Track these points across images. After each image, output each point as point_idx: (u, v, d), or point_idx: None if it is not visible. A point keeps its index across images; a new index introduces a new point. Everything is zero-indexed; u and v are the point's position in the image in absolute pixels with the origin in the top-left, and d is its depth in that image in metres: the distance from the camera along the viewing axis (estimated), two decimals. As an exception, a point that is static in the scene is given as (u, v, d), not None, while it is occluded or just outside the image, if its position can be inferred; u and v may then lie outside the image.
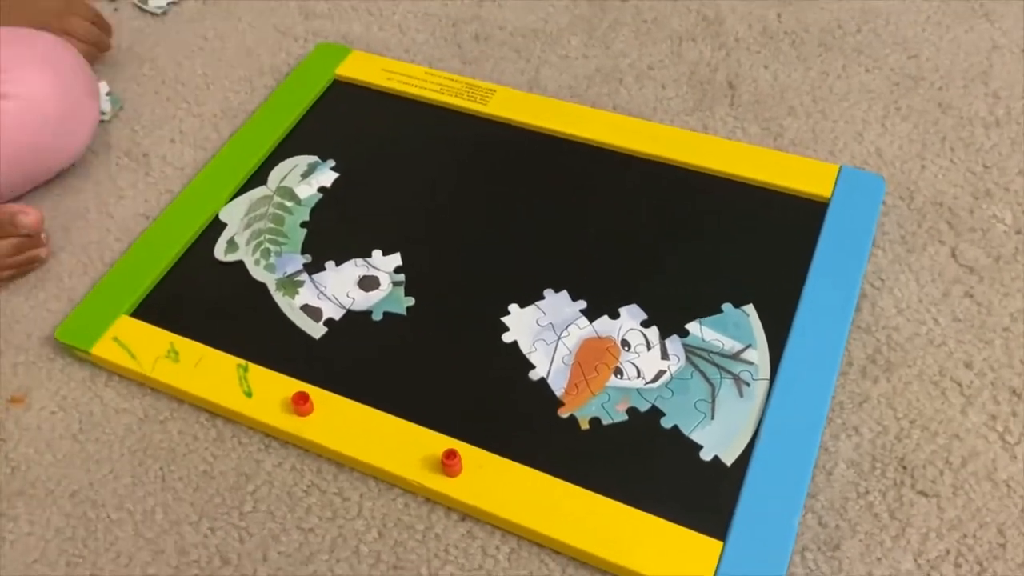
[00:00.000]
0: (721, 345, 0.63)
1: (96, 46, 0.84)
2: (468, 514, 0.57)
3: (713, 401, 0.61)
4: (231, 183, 0.75)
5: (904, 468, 0.59)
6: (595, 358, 0.63)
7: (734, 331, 0.64)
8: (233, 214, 0.73)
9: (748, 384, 0.61)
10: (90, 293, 0.68)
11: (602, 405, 0.61)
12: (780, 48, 0.86)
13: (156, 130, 0.83)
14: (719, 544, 0.54)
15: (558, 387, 0.62)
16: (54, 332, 0.66)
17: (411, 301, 0.67)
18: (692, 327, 0.64)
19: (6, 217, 0.68)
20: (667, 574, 0.53)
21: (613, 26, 0.89)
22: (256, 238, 0.71)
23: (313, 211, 0.73)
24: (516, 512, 0.56)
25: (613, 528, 0.55)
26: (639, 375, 0.62)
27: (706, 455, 0.58)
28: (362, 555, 0.56)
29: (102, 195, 0.78)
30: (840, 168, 0.72)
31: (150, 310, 0.67)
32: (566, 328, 0.65)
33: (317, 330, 0.65)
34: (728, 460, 0.58)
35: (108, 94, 0.84)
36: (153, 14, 0.94)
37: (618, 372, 0.63)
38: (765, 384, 0.61)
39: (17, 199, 0.74)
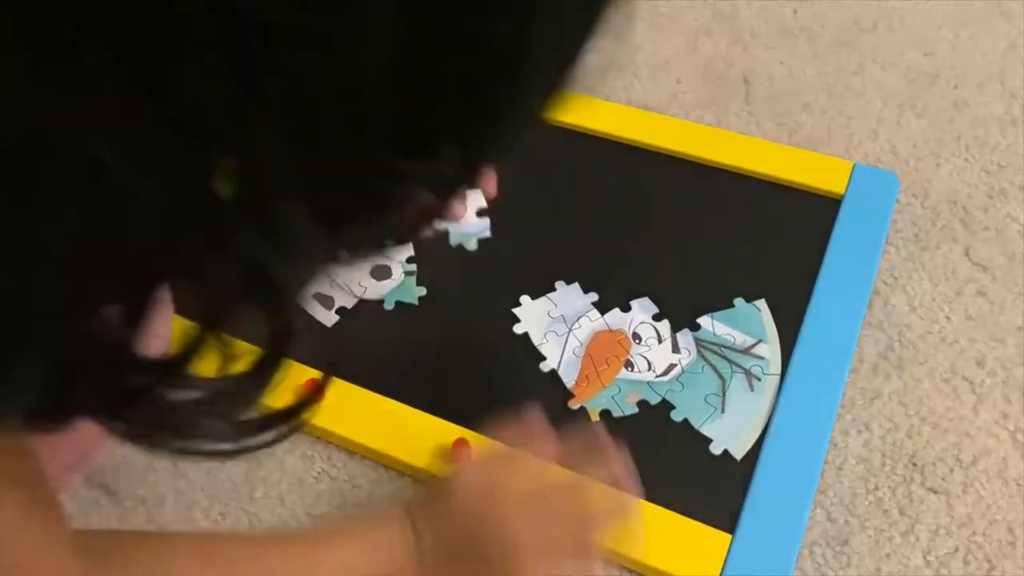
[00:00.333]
0: (732, 339, 0.63)
1: None
2: (477, 503, 0.58)
3: (724, 395, 0.61)
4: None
5: (914, 465, 0.59)
6: (606, 350, 0.63)
7: (745, 326, 0.64)
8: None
9: (759, 379, 0.61)
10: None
11: (612, 397, 0.61)
12: (796, 44, 0.86)
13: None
14: (727, 537, 0.54)
15: (569, 379, 0.62)
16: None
17: (423, 291, 0.67)
18: (703, 321, 0.64)
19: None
20: (675, 566, 0.53)
21: (628, 19, 0.88)
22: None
23: (326, 200, 0.73)
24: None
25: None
26: (650, 368, 0.62)
27: (716, 449, 0.58)
28: (371, 542, 0.56)
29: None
30: (854, 165, 0.72)
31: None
32: (577, 320, 0.65)
33: (329, 318, 0.66)
34: (738, 454, 0.58)
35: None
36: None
37: (629, 365, 0.63)
38: (776, 379, 0.61)
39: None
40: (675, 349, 0.63)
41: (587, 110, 0.77)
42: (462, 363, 0.63)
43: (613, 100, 0.81)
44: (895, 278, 0.68)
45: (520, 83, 0.24)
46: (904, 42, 0.85)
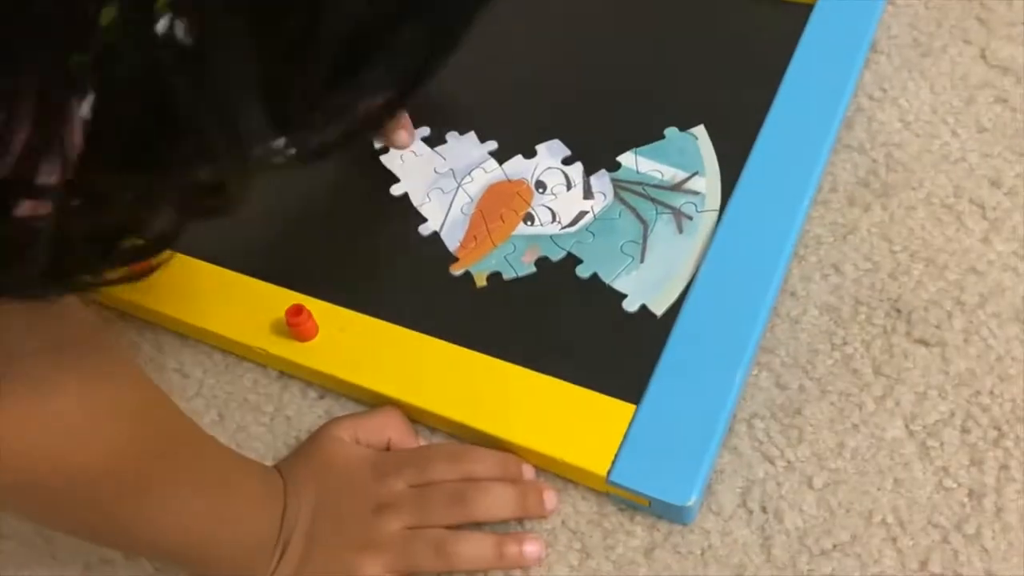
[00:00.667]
0: (660, 176, 0.50)
1: None
2: (329, 389, 0.46)
3: (644, 242, 0.47)
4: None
5: (898, 312, 0.44)
6: (500, 205, 0.51)
7: (677, 158, 0.50)
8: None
9: (691, 218, 0.48)
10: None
11: (505, 258, 0.48)
12: None
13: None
14: (631, 408, 0.41)
15: (452, 241, 0.50)
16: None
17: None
18: (625, 159, 0.51)
19: None
20: (563, 449, 0.41)
21: None
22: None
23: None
24: (383, 381, 0.44)
25: (503, 397, 0.43)
26: (554, 219, 0.49)
27: (631, 305, 0.45)
28: (194, 440, 0.45)
29: None
30: (831, -39, 0.56)
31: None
32: (469, 174, 0.52)
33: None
34: (658, 309, 0.45)
35: None
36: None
37: (528, 219, 0.50)
38: (713, 216, 0.47)
39: None
40: (587, 195, 0.50)
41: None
42: (321, 231, 0.51)
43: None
44: (884, 91, 0.53)
45: None
46: None
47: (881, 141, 0.51)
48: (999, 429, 0.40)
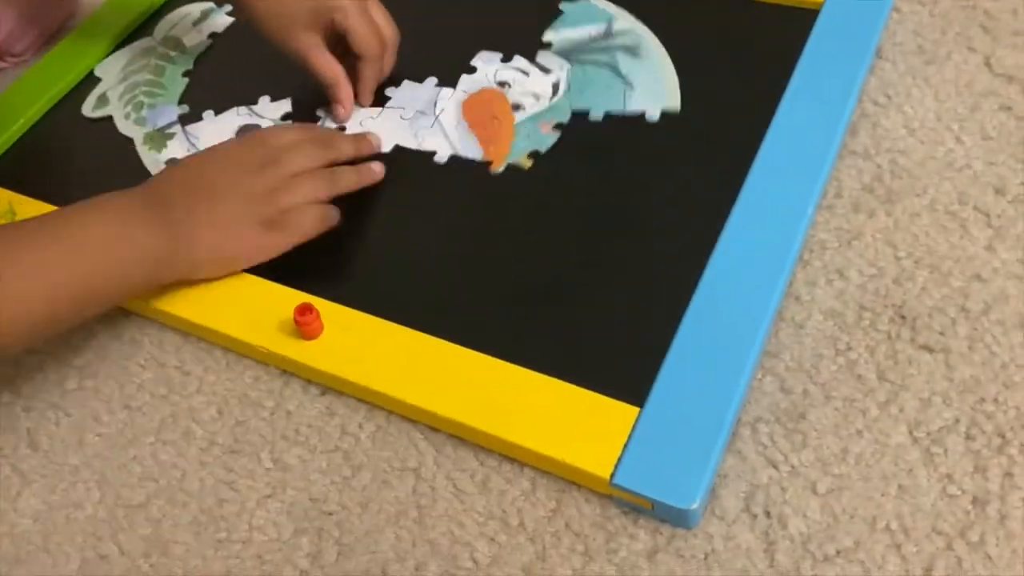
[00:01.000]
0: (588, 35, 0.57)
1: None
2: (330, 387, 0.46)
3: (621, 75, 0.55)
4: (110, 37, 0.65)
5: (903, 318, 0.44)
6: (485, 111, 0.55)
7: (586, 19, 0.58)
8: (109, 69, 0.63)
9: (636, 45, 0.56)
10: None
11: (528, 137, 0.53)
12: None
13: None
14: (635, 410, 0.41)
15: (474, 152, 0.53)
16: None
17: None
18: (548, 35, 0.58)
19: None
20: (568, 450, 0.40)
21: None
22: (131, 91, 0.61)
23: (199, 59, 0.62)
24: (385, 381, 0.44)
25: (507, 399, 0.42)
26: (538, 98, 0.55)
27: (652, 115, 0.52)
28: (193, 437, 0.45)
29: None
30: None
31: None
32: (436, 106, 0.56)
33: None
34: (675, 105, 0.53)
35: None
36: None
37: (517, 108, 0.55)
38: (651, 35, 0.56)
39: None
40: (545, 71, 0.56)
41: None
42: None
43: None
44: (888, 97, 0.53)
45: None
46: None
47: (886, 147, 0.51)
48: (1003, 436, 0.40)
